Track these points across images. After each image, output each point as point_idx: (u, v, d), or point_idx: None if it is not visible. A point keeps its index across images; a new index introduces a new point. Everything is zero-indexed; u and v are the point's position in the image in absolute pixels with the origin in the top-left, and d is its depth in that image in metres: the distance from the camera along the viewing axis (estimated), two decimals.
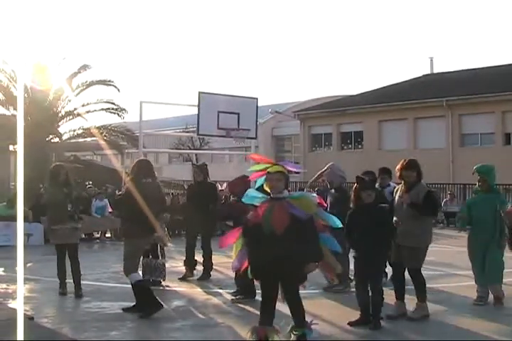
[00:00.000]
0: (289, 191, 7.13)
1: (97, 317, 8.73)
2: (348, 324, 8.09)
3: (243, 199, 7.34)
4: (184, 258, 12.42)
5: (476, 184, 9.86)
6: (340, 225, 7.29)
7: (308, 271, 6.93)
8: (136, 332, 8.17)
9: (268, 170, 7.00)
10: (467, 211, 10.05)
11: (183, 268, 12.30)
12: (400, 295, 8.77)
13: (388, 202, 9.49)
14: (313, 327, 7.09)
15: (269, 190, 7.01)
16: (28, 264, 13.42)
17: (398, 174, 8.96)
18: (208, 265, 12.24)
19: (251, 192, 7.30)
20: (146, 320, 8.51)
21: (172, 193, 25.92)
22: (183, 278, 12.04)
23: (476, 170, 9.85)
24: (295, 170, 7.46)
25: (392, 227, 8.37)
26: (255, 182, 7.35)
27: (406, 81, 44.59)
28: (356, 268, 8.38)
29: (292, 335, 6.94)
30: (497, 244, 9.64)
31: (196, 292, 10.81)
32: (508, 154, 31.22)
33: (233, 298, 9.95)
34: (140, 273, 9.15)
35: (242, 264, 7.21)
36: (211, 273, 12.27)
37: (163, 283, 11.21)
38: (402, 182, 8.96)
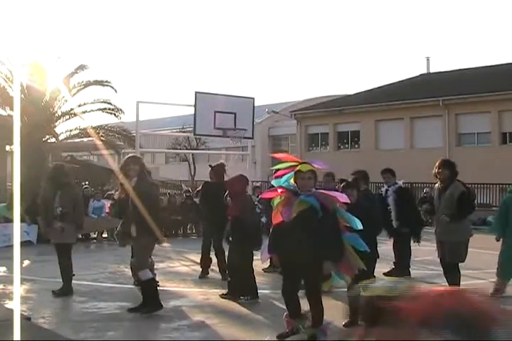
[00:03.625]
0: (316, 189, 7.21)
1: (94, 318, 8.72)
2: (344, 325, 8.07)
3: (273, 183, 7.45)
4: (187, 257, 12.45)
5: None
6: (361, 227, 7.23)
7: (327, 270, 7.01)
8: (133, 332, 8.16)
9: (300, 168, 7.05)
10: (503, 210, 10.25)
11: (180, 268, 12.31)
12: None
13: (376, 201, 9.75)
14: (327, 330, 7.15)
15: (298, 187, 7.07)
16: (24, 264, 13.40)
17: (435, 174, 9.46)
18: (223, 266, 12.04)
19: (277, 180, 7.36)
20: (144, 320, 8.51)
21: (169, 193, 25.91)
22: (202, 277, 12.10)
23: None
24: (321, 167, 7.50)
25: (373, 226, 8.35)
26: (280, 180, 7.34)
27: (403, 80, 44.65)
28: None
29: (302, 333, 7.03)
30: None
31: (193, 292, 10.80)
32: (504, 153, 31.27)
33: (241, 298, 9.87)
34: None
35: (269, 256, 7.43)
36: (209, 272, 12.29)
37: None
38: (439, 181, 9.46)
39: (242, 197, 9.97)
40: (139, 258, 8.96)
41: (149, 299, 8.89)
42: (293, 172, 7.12)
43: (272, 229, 7.27)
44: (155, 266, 11.16)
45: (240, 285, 9.86)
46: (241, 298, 9.80)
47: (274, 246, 7.22)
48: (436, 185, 9.66)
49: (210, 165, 12.90)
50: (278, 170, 7.39)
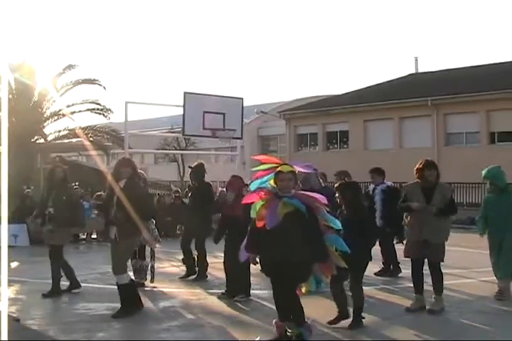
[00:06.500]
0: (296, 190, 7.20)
1: (84, 319, 8.68)
2: (328, 323, 8.08)
3: (252, 188, 7.37)
4: (176, 258, 12.46)
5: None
6: (340, 227, 7.32)
7: (314, 271, 7.06)
8: (123, 333, 8.12)
9: (280, 169, 7.04)
10: (484, 210, 10.29)
11: (169, 268, 12.31)
12: (419, 290, 9.18)
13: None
14: (312, 328, 7.19)
15: (278, 188, 7.05)
16: (13, 265, 13.35)
17: (418, 173, 9.19)
18: (202, 265, 12.21)
19: (254, 183, 7.34)
20: (133, 321, 8.49)
21: (158, 194, 25.89)
22: (185, 277, 12.16)
23: (484, 177, 10.22)
24: (303, 170, 7.49)
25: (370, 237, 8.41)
26: (257, 181, 7.33)
27: (391, 80, 44.77)
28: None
29: (288, 334, 7.02)
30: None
31: (184, 293, 10.79)
32: (492, 153, 31.34)
33: (236, 298, 9.88)
34: (130, 273, 9.10)
35: (248, 256, 7.42)
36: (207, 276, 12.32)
37: (148, 283, 11.18)
38: (420, 181, 9.20)
39: (242, 197, 9.96)
40: (117, 262, 8.87)
41: (129, 301, 8.88)
42: (273, 174, 7.11)
43: (255, 230, 7.17)
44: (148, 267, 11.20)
45: (237, 284, 9.88)
46: (236, 297, 9.82)
47: (260, 249, 7.21)
48: (412, 183, 9.40)
49: (190, 167, 12.98)
50: (258, 171, 7.37)
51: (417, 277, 9.25)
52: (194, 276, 12.15)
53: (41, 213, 10.65)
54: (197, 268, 12.19)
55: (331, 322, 8.06)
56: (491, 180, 10.11)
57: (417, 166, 9.23)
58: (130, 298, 8.89)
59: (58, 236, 10.48)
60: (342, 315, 8.10)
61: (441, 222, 9.04)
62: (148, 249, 11.22)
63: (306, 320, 7.15)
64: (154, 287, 11.13)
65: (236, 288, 9.95)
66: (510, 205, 9.88)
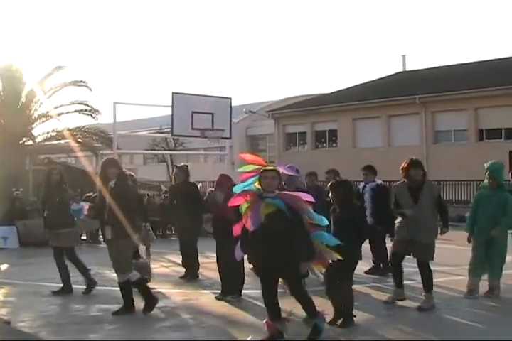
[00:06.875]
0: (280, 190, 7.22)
1: (74, 320, 8.66)
2: (328, 323, 8.10)
3: (235, 191, 7.40)
4: (166, 258, 12.48)
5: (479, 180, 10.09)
6: (327, 223, 7.36)
7: (303, 269, 7.13)
8: (115, 334, 8.10)
9: (264, 168, 7.12)
10: (475, 206, 10.29)
11: (159, 269, 12.29)
12: (397, 283, 9.34)
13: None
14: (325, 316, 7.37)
15: (261, 188, 7.09)
16: (3, 267, 13.32)
17: (404, 173, 9.21)
18: (194, 265, 12.23)
19: (238, 186, 7.37)
20: (125, 322, 8.48)
21: (148, 194, 25.85)
22: (184, 277, 12.17)
23: (487, 168, 10.15)
24: (287, 172, 7.52)
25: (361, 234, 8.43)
26: (241, 185, 7.35)
27: (379, 79, 44.86)
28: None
29: (306, 326, 7.18)
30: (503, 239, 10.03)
31: (175, 293, 10.78)
32: (481, 150, 31.42)
33: (228, 298, 9.89)
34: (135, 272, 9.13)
35: (243, 255, 7.51)
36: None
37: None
38: (406, 180, 9.22)
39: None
40: (118, 263, 8.88)
41: (124, 300, 8.94)
42: (257, 177, 7.14)
43: (245, 231, 7.25)
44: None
45: (232, 284, 9.91)
46: (227, 296, 9.84)
47: (247, 250, 7.31)
48: (399, 183, 9.41)
49: (176, 166, 13.01)
50: (244, 172, 7.41)
51: (395, 270, 9.37)
52: (183, 275, 12.20)
53: (42, 215, 10.83)
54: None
55: (329, 323, 8.08)
56: (493, 173, 10.05)
57: (402, 165, 9.25)
58: (125, 297, 8.95)
59: (62, 239, 10.56)
60: (339, 314, 8.12)
61: (429, 222, 9.06)
62: (143, 247, 11.25)
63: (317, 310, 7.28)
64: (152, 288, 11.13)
65: (231, 288, 9.97)
66: (502, 203, 9.89)
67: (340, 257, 7.32)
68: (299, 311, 7.42)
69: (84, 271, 10.80)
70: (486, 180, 10.24)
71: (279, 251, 6.88)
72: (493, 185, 10.11)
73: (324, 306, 7.74)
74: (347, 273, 8.14)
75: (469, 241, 10.21)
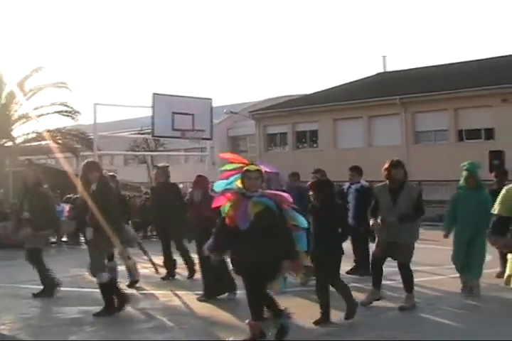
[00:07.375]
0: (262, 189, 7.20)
1: (55, 323, 8.63)
2: (314, 323, 8.09)
3: (215, 189, 7.37)
4: (156, 260, 12.54)
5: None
6: (306, 225, 7.31)
7: (286, 269, 7.02)
8: (95, 335, 8.07)
9: (247, 168, 7.03)
10: (452, 206, 10.36)
11: (142, 270, 12.23)
12: (374, 283, 9.30)
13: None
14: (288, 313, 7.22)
15: (244, 188, 7.04)
16: None
17: (386, 173, 9.20)
18: (190, 263, 12.23)
19: (219, 184, 7.31)
20: (105, 324, 8.46)
21: (128, 195, 25.78)
22: (165, 279, 12.19)
23: (466, 168, 10.20)
24: (269, 170, 7.50)
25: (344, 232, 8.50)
26: (221, 183, 7.30)
27: (360, 79, 44.96)
28: (315, 266, 8.36)
29: (273, 327, 7.11)
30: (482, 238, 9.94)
31: (155, 294, 10.75)
32: (461, 150, 31.57)
33: (228, 296, 9.92)
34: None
35: (213, 250, 7.37)
36: (175, 273, 12.49)
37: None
38: (388, 182, 9.22)
39: (209, 196, 9.95)
40: (93, 262, 8.88)
41: (105, 301, 8.91)
42: (239, 175, 7.11)
43: (222, 231, 7.19)
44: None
45: (216, 284, 9.89)
46: (223, 295, 9.86)
47: (231, 249, 7.22)
48: (380, 184, 9.45)
49: (156, 166, 13.02)
50: (225, 171, 7.37)
51: (375, 271, 9.37)
52: (187, 275, 12.32)
53: (17, 217, 10.73)
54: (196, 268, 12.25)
55: (316, 322, 8.09)
56: (472, 172, 10.12)
57: (384, 166, 9.28)
58: (106, 298, 8.93)
59: (36, 240, 10.49)
60: (327, 315, 8.14)
61: (408, 224, 9.04)
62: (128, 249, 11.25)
63: (280, 308, 7.20)
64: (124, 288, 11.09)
65: (217, 288, 9.96)
66: (481, 202, 9.86)
67: (310, 263, 7.36)
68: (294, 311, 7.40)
69: (44, 275, 10.70)
70: (462, 180, 10.32)
71: (265, 249, 6.79)
72: (471, 185, 10.18)
73: (305, 307, 7.75)
74: (334, 271, 8.24)
75: (446, 237, 10.30)
